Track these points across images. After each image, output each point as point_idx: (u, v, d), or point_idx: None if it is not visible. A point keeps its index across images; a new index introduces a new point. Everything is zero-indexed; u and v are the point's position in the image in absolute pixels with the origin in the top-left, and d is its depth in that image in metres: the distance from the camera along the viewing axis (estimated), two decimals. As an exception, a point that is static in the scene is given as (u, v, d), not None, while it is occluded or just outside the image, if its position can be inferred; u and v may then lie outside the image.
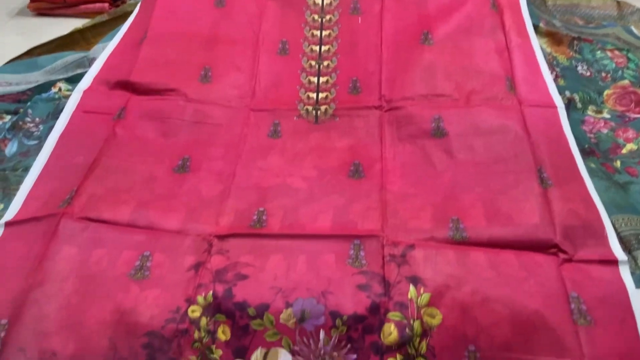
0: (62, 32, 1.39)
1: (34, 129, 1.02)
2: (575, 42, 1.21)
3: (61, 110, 1.02)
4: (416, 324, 0.68)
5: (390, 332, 0.67)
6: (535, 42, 1.10)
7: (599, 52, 1.20)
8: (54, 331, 0.68)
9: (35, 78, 1.21)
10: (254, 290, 0.71)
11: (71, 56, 1.24)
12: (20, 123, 1.03)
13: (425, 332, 0.67)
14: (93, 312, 0.70)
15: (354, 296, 0.70)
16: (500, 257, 0.73)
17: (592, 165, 0.92)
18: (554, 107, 0.96)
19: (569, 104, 1.06)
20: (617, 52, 1.19)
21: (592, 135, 1.02)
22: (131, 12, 1.27)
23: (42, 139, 0.98)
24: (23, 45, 1.34)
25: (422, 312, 0.69)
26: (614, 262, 0.73)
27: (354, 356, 0.67)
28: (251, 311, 0.69)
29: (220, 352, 0.68)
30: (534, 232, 0.76)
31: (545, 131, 0.91)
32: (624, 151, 0.97)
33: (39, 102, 1.09)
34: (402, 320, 0.68)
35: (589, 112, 1.08)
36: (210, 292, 0.72)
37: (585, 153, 0.95)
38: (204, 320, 0.70)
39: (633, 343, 0.65)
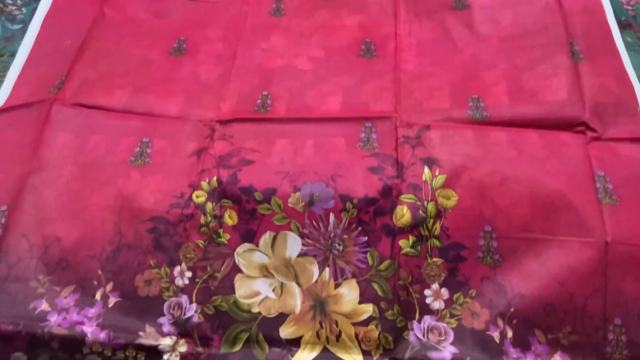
0: None
1: (16, 12, 0.94)
2: None
3: (44, -9, 0.93)
4: (430, 206, 0.65)
5: (403, 214, 0.65)
6: None
7: None
8: (56, 217, 0.67)
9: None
10: (260, 175, 0.68)
11: None
12: (1, 6, 0.94)
13: (440, 213, 0.65)
14: (95, 198, 0.68)
15: (365, 179, 0.67)
16: (523, 136, 0.69)
17: (629, 39, 0.83)
18: (591, -28, 0.86)
19: (606, -27, 0.94)
20: None
21: (629, 8, 0.92)
22: None
23: (26, 22, 0.91)
24: None
25: (436, 193, 0.65)
26: (645, 140, 0.68)
27: (365, 238, 0.65)
28: (258, 196, 0.67)
29: (227, 236, 0.66)
30: (561, 109, 0.70)
31: (579, 0, 0.81)
32: (664, 24, 0.88)
33: (19, -17, 0.99)
34: (415, 202, 0.65)
35: (628, -18, 0.96)
36: (215, 178, 0.68)
37: (622, 26, 0.85)
38: (209, 205, 0.67)
39: None
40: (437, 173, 0.66)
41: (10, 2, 0.96)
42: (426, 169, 0.67)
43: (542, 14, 0.80)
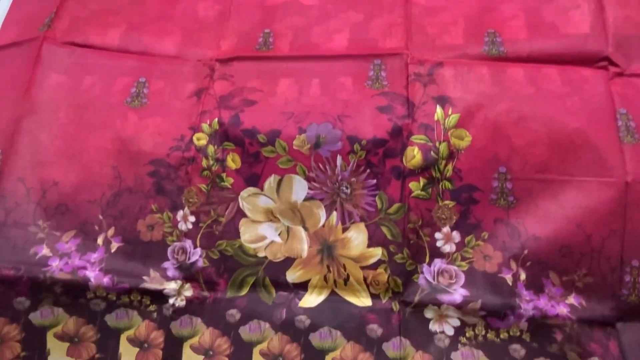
0: None
1: (0, -53, 0.88)
2: None
3: None
4: (442, 147, 0.62)
5: (414, 156, 0.62)
6: None
7: None
8: (52, 161, 0.64)
9: None
10: (263, 116, 0.65)
11: None
12: (-16, -60, 0.88)
13: (452, 154, 0.62)
14: (92, 141, 0.65)
15: (373, 119, 0.64)
16: (541, 73, 0.65)
17: (657, -33, 0.77)
18: None
19: None
20: None
21: None
22: None
23: (10, -42, 0.85)
24: None
25: (449, 133, 0.62)
26: (672, 76, 0.64)
27: (374, 181, 0.63)
28: (261, 138, 0.64)
29: (231, 180, 0.64)
30: (583, 43, 0.66)
31: None
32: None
33: None
34: (426, 143, 0.62)
35: None
36: (216, 119, 0.65)
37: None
38: (211, 148, 0.65)
39: None
40: (450, 112, 0.63)
41: (-7, -64, 0.90)
42: (438, 108, 0.63)
43: (564, -61, 0.74)
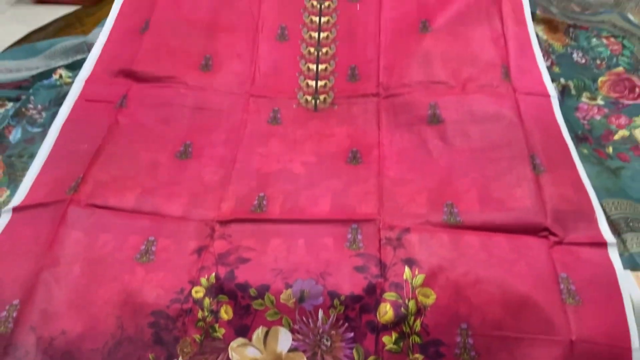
0: (62, 19, 1.39)
1: (37, 116, 1.04)
2: (571, 29, 1.22)
3: (63, 97, 1.03)
4: (411, 304, 0.70)
5: (386, 312, 0.70)
6: (532, 29, 1.11)
7: (594, 39, 1.20)
8: (63, 311, 0.71)
9: (35, 64, 1.21)
10: (255, 272, 0.74)
11: (69, 41, 1.22)
12: (24, 110, 1.04)
13: (420, 311, 0.70)
14: (101, 293, 0.73)
15: (351, 277, 0.73)
16: (493, 240, 0.76)
17: (585, 151, 0.94)
18: (547, 96, 0.98)
19: (564, 91, 1.08)
20: (612, 39, 1.20)
21: (585, 122, 1.04)
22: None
23: (45, 126, 1.00)
24: (24, 33, 1.35)
25: (416, 292, 0.71)
26: (603, 245, 0.75)
27: (351, 334, 0.70)
28: (252, 292, 0.72)
29: (223, 330, 0.71)
30: (526, 216, 0.78)
31: (538, 119, 0.93)
32: (616, 137, 0.99)
33: (40, 89, 1.10)
34: (397, 300, 0.71)
35: (584, 99, 1.09)
36: (213, 274, 0.74)
37: (579, 139, 0.97)
38: (207, 301, 0.72)
39: (620, 322, 0.68)
40: (416, 273, 0.73)
41: (32, 106, 1.06)
42: (407, 269, 0.73)
43: (506, 130, 0.91)
